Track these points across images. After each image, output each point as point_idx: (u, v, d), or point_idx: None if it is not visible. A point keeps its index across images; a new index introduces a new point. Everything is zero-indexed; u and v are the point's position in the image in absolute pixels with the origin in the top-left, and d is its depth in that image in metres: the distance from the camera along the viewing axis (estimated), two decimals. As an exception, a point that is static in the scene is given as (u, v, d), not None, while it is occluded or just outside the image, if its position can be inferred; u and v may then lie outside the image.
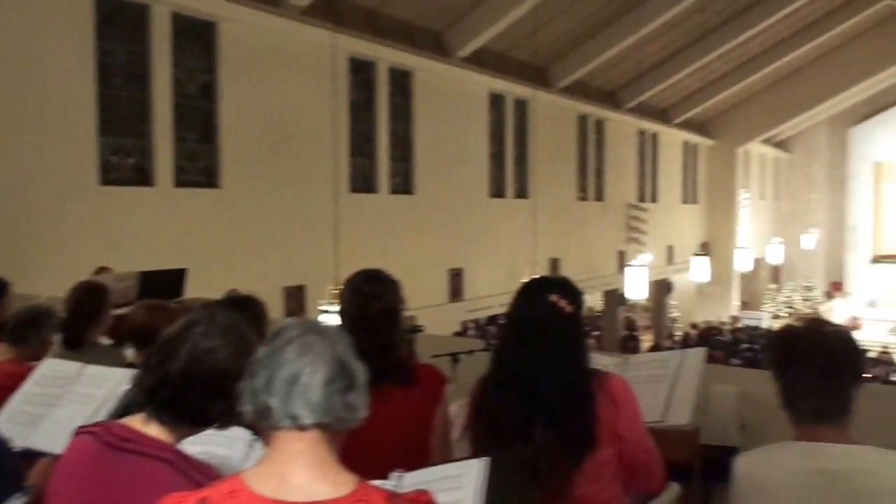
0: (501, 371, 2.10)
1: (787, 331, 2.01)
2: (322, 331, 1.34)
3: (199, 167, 8.53)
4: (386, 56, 10.75)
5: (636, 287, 12.84)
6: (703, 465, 3.16)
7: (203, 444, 1.80)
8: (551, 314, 2.07)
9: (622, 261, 16.25)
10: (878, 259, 27.15)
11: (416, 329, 4.57)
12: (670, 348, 16.42)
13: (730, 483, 1.95)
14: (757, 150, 25.22)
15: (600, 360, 2.55)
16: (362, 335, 2.22)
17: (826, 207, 28.13)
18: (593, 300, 22.93)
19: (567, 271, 14.74)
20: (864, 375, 1.93)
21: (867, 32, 20.33)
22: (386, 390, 2.23)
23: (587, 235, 16.20)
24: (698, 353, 2.94)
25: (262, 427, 1.32)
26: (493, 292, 12.15)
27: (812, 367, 1.83)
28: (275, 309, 8.52)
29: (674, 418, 2.66)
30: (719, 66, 18.35)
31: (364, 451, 1.85)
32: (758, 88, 20.95)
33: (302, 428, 1.27)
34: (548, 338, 2.05)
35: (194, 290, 5.49)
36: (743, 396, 4.35)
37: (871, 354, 16.54)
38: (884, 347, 17.46)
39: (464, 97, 12.50)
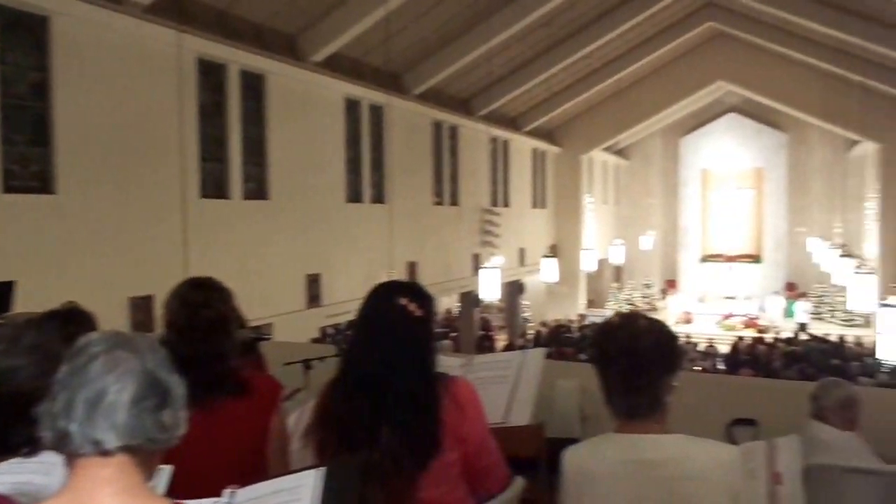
0: (349, 375, 2.07)
1: (601, 330, 2.06)
2: (131, 344, 1.23)
3: (32, 172, 7.94)
4: (237, 58, 10.48)
5: (490, 288, 13.23)
6: (548, 457, 3.25)
7: (16, 473, 1.66)
8: (400, 318, 2.06)
9: (477, 263, 16.67)
10: (705, 258, 29.52)
11: (261, 337, 4.51)
12: (523, 346, 17.06)
13: (560, 474, 2.03)
14: (599, 157, 26.70)
15: (446, 362, 2.58)
16: (191, 346, 2.19)
17: (661, 211, 30.21)
18: (450, 302, 23.34)
19: (424, 275, 14.96)
20: (681, 365, 2.00)
21: (694, 50, 22.09)
22: (218, 402, 2.18)
23: (443, 239, 16.49)
24: (537, 354, 3.01)
25: (63, 453, 1.21)
26: (351, 297, 12.09)
27: (621, 365, 1.91)
28: (120, 321, 8.10)
29: (515, 419, 2.73)
30: (564, 77, 19.30)
31: (198, 467, 1.81)
32: (600, 99, 22.20)
33: (106, 453, 1.17)
34: (396, 341, 2.04)
35: (25, 304, 5.12)
36: (583, 390, 4.51)
37: (700, 347, 17.96)
38: (709, 340, 18.93)
39: (319, 102, 12.40)
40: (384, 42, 12.58)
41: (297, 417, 2.70)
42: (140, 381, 1.19)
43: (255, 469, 2.11)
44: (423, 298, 2.13)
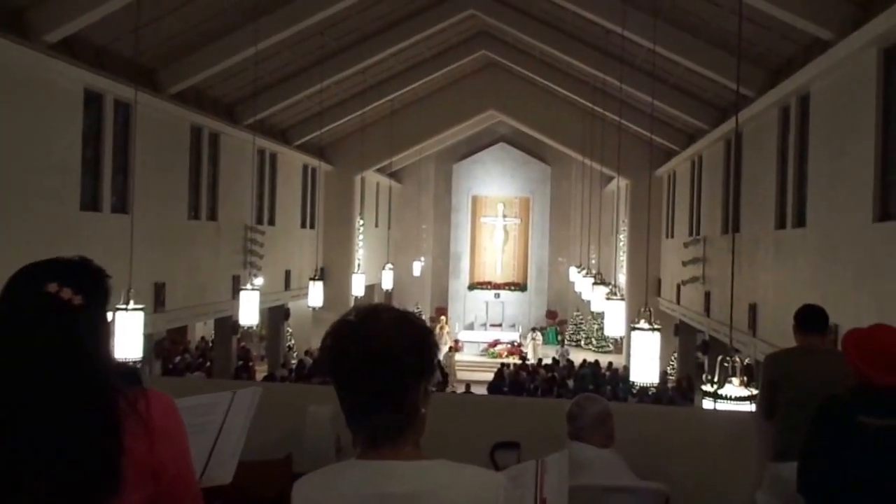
0: None
1: (335, 333, 1.60)
2: None
3: None
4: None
5: (250, 312, 12.00)
6: (297, 496, 2.84)
7: None
8: (47, 311, 1.46)
9: (237, 286, 15.28)
10: (473, 286, 30.22)
11: None
12: (285, 378, 15.89)
13: None
14: (373, 178, 26.31)
15: None
16: None
17: (433, 237, 30.56)
18: (205, 329, 21.51)
19: (173, 297, 13.38)
20: (435, 366, 1.67)
21: (467, 78, 22.54)
22: None
23: (199, 258, 14.93)
24: (249, 393, 2.49)
25: None
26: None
27: (361, 376, 1.54)
28: None
29: (212, 476, 2.23)
30: (338, 91, 18.61)
31: None
32: (374, 119, 21.81)
33: None
34: (39, 345, 1.44)
35: None
36: (339, 416, 3.94)
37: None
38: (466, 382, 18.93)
39: (51, 90, 10.52)
40: (135, 31, 11.00)
41: None
42: None
43: None
44: (83, 278, 1.53)
